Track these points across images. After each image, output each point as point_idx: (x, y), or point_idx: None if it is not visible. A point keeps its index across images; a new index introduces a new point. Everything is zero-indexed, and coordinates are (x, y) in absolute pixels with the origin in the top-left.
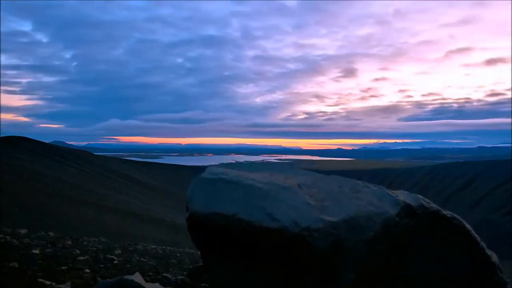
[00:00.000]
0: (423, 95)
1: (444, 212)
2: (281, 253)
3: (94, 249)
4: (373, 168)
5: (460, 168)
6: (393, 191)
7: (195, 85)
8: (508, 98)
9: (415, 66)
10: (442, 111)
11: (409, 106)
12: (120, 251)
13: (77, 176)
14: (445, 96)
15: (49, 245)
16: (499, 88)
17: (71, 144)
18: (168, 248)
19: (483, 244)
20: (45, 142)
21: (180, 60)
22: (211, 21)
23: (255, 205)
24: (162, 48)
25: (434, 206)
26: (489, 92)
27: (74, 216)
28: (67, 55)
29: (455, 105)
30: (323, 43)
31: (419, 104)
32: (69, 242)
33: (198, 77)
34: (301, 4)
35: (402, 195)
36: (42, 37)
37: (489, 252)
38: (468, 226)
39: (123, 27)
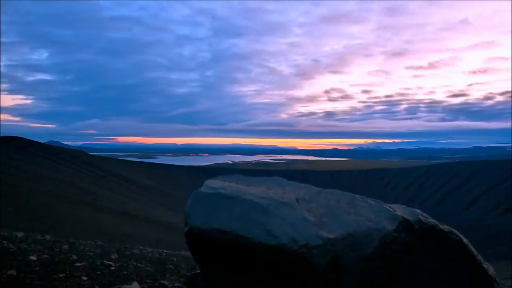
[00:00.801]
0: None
1: (441, 226)
2: (280, 268)
3: (91, 254)
4: (369, 168)
5: (456, 168)
6: (391, 205)
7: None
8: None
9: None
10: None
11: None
12: (116, 256)
13: (72, 176)
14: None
15: (46, 250)
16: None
17: (66, 144)
18: (164, 251)
19: (480, 257)
20: (40, 142)
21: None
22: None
23: (254, 221)
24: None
25: (432, 220)
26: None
27: (70, 216)
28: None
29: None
30: None
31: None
32: (66, 247)
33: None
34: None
35: (400, 210)
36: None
37: (486, 265)
38: (465, 240)
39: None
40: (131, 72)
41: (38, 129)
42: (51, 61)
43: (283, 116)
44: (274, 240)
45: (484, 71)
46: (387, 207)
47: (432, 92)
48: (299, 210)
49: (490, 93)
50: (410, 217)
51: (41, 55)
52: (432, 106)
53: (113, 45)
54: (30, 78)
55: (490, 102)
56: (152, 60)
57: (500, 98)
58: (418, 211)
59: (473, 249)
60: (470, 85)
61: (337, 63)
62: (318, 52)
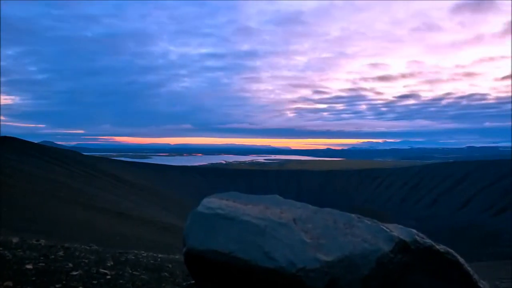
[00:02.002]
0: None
1: (437, 247)
2: None
3: (86, 261)
4: (363, 168)
5: (450, 168)
6: (387, 225)
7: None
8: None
9: None
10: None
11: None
12: (112, 263)
13: (66, 176)
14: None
15: (41, 258)
16: None
17: (60, 144)
18: (159, 256)
19: (476, 276)
20: (33, 142)
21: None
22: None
23: (251, 243)
24: None
25: (428, 241)
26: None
27: (64, 217)
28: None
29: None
30: None
31: None
32: (61, 253)
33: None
34: None
35: (396, 230)
36: None
37: (482, 284)
38: (461, 259)
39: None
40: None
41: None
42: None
43: (276, 115)
44: (272, 263)
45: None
46: (383, 227)
47: None
48: (296, 231)
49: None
50: (406, 238)
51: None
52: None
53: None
54: None
55: None
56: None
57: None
58: (414, 231)
59: (469, 269)
60: None
61: None
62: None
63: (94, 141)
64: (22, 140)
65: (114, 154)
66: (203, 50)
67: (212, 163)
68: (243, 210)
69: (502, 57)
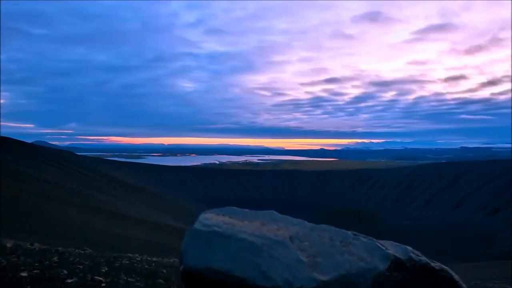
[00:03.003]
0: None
1: (432, 264)
2: None
3: (81, 267)
4: (357, 168)
5: (443, 169)
6: (382, 243)
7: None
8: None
9: None
10: None
11: None
12: (106, 269)
13: (60, 177)
14: None
15: (36, 264)
16: None
17: (53, 144)
18: (154, 260)
19: None
20: (27, 142)
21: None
22: None
23: (248, 262)
24: None
25: (423, 258)
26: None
27: (58, 217)
28: None
29: None
30: None
31: None
32: (55, 259)
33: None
34: None
35: (392, 248)
36: None
37: None
38: (456, 276)
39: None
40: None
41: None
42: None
43: (271, 115)
44: (268, 283)
45: None
46: (379, 245)
47: None
48: (292, 249)
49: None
50: (402, 256)
51: None
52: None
53: None
54: None
55: None
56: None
57: None
58: (409, 248)
59: (464, 285)
60: None
61: None
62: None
63: (88, 141)
64: (15, 140)
65: (108, 154)
66: None
67: (205, 163)
68: (239, 227)
69: None
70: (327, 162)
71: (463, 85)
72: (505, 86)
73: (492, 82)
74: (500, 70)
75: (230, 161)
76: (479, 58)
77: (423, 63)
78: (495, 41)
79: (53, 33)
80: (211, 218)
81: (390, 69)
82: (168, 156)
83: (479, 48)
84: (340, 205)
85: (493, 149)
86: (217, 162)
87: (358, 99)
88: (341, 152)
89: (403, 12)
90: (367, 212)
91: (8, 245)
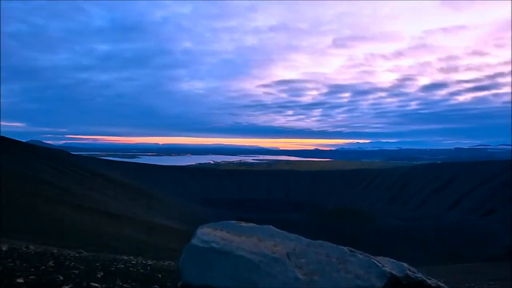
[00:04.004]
0: None
1: (428, 281)
2: None
3: (77, 272)
4: (352, 168)
5: (438, 169)
6: (379, 260)
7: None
8: None
9: None
10: None
11: None
12: (102, 273)
13: (55, 176)
14: None
15: (32, 269)
16: None
17: (48, 144)
18: (149, 263)
19: None
20: (22, 142)
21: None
22: None
23: (246, 279)
24: None
25: (419, 275)
26: None
27: (53, 217)
28: None
29: None
30: None
31: None
32: (51, 263)
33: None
34: None
35: (388, 265)
36: None
37: None
38: None
39: None
40: None
41: None
42: None
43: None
44: None
45: None
46: (375, 262)
47: None
48: (290, 267)
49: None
50: (398, 273)
51: None
52: None
53: None
54: None
55: None
56: None
57: None
58: (405, 265)
59: None
60: None
61: None
62: None
63: (82, 141)
64: (11, 139)
65: (102, 153)
66: None
67: (200, 163)
68: (237, 244)
69: None
70: (321, 162)
71: None
72: None
73: None
74: None
75: (224, 161)
76: None
77: None
78: None
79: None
80: (208, 234)
81: None
82: (163, 155)
83: None
84: (334, 205)
85: (488, 150)
86: (212, 162)
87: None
88: (336, 152)
89: None
90: (361, 212)
91: (4, 248)
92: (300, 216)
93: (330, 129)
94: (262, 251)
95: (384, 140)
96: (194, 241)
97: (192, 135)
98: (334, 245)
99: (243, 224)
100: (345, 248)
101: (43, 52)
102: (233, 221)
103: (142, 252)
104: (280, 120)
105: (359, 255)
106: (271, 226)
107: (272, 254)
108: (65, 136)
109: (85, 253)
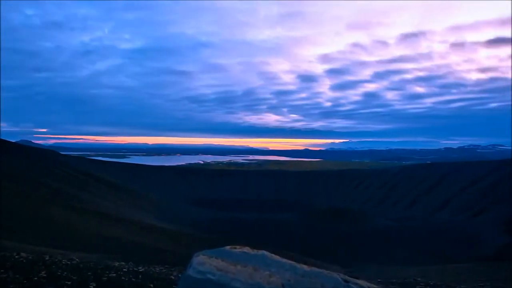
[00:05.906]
0: None
1: None
2: None
3: (69, 282)
4: (342, 168)
5: (428, 169)
6: None
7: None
8: None
9: None
10: None
11: None
12: (94, 284)
13: (45, 176)
14: None
15: (25, 281)
16: None
17: (38, 144)
18: (140, 269)
19: None
20: (11, 141)
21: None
22: None
23: None
24: None
25: None
26: None
27: (42, 217)
28: None
29: None
30: None
31: None
32: (44, 274)
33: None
34: None
35: None
36: None
37: None
38: None
39: None
40: None
41: None
42: None
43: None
44: None
45: None
46: None
47: None
48: None
49: None
50: None
51: None
52: None
53: None
54: None
55: None
56: None
57: None
58: None
59: None
60: None
61: None
62: None
63: (72, 141)
64: (1, 139)
65: (92, 153)
66: None
67: (190, 163)
68: (233, 275)
69: None
70: (312, 163)
71: None
72: None
73: None
74: None
75: (214, 161)
76: None
77: None
78: None
79: None
80: (204, 263)
81: None
82: (152, 155)
83: None
84: (325, 205)
85: (478, 150)
86: (202, 162)
87: None
88: (326, 152)
89: None
90: (352, 212)
91: None
92: (292, 216)
93: (322, 129)
94: (258, 283)
95: (372, 140)
96: (190, 271)
97: (181, 135)
98: (329, 275)
99: (237, 250)
100: (340, 278)
101: None
102: (228, 248)
103: (133, 254)
104: (269, 119)
105: (352, 285)
106: (265, 253)
107: (267, 285)
108: (54, 136)
109: (76, 260)
